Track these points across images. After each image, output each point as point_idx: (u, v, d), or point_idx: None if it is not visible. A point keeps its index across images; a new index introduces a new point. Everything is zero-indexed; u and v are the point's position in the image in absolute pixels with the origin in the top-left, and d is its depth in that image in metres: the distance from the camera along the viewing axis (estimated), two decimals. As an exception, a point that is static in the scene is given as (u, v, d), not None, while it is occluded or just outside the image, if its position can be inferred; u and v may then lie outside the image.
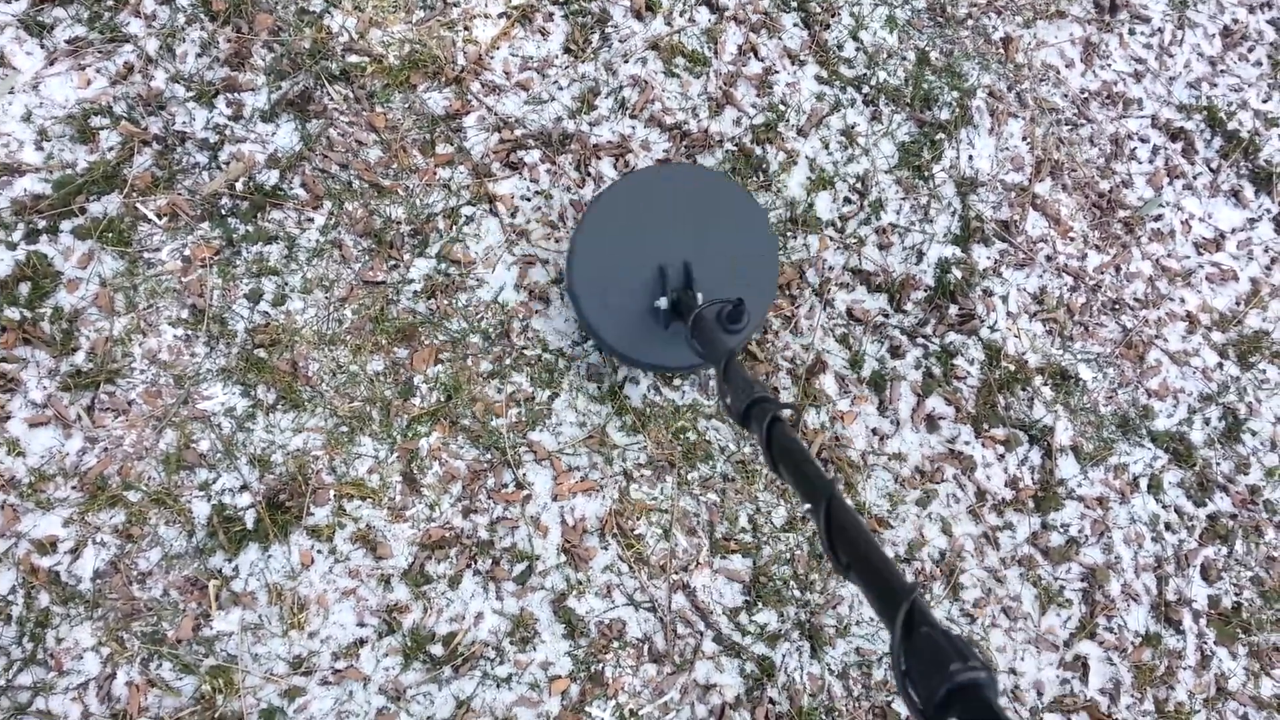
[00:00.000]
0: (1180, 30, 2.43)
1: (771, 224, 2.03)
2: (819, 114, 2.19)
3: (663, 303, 1.80)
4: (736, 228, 1.90)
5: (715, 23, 2.24)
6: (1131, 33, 2.43)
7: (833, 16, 2.25)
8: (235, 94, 2.05)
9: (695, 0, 2.24)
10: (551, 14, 2.20)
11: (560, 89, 2.16)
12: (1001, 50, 2.30)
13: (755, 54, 2.23)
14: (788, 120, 2.18)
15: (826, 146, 2.18)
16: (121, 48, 2.04)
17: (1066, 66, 2.34)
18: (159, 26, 2.06)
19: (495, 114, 2.13)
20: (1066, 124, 2.30)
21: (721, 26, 2.23)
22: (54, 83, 2.02)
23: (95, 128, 1.99)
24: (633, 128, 2.16)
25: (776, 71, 2.21)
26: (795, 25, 2.25)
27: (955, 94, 2.24)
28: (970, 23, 2.30)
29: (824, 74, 2.22)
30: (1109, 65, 2.36)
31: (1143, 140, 2.35)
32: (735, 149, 2.16)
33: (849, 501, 1.45)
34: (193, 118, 2.02)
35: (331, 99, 2.06)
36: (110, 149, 1.97)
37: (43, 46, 2.03)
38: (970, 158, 2.21)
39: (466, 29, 2.16)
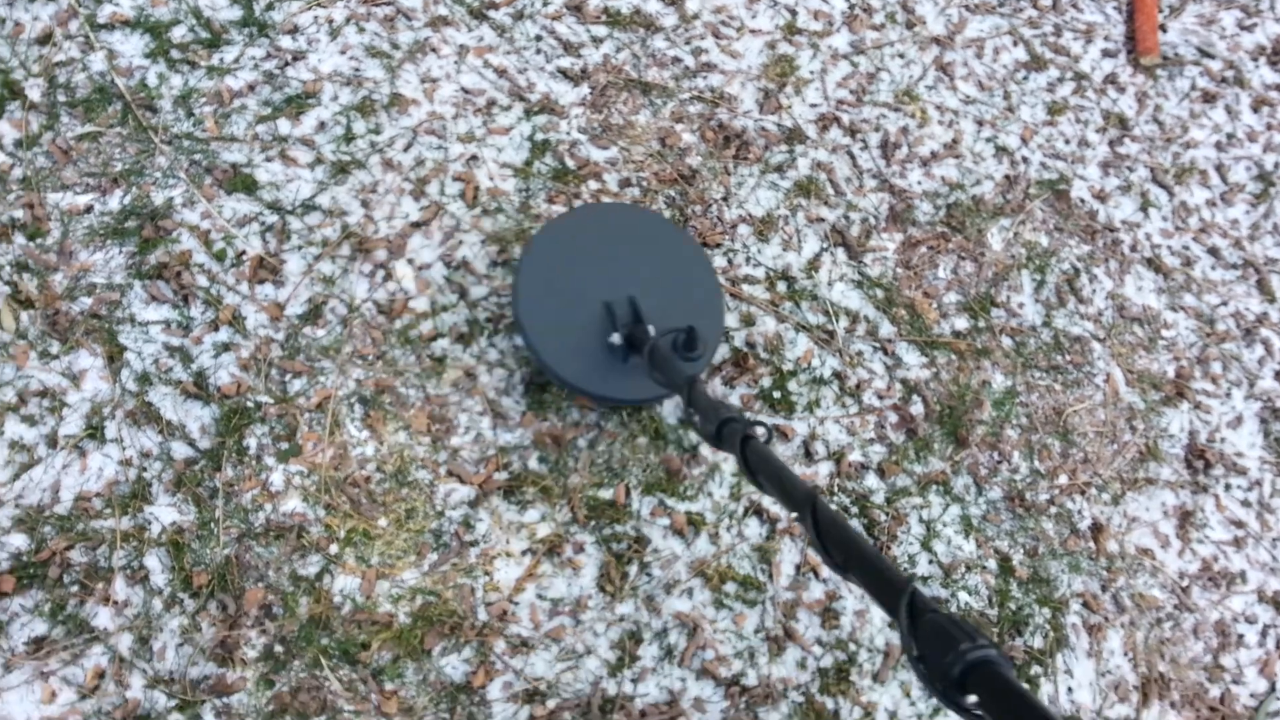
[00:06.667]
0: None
1: (701, 248, 2.16)
2: (895, 652, 2.04)
3: (616, 338, 1.91)
4: (672, 258, 2.05)
5: (767, 538, 2.10)
6: (1227, 489, 2.32)
7: (899, 524, 2.12)
8: (224, 697, 1.89)
9: (743, 512, 2.10)
10: (582, 544, 2.06)
11: (596, 636, 2.01)
12: (1091, 542, 2.18)
13: (816, 574, 2.10)
14: (860, 664, 2.03)
15: (908, 694, 2.04)
16: (90, 648, 1.87)
17: (1162, 547, 2.22)
18: (132, 616, 1.90)
19: (524, 677, 1.97)
20: (1168, 620, 2.17)
21: (774, 544, 2.09)
22: (12, 698, 1.85)
23: (61, 765, 1.81)
24: (683, 681, 2.01)
25: (841, 597, 2.08)
26: (858, 536, 2.11)
27: (1047, 611, 2.10)
28: (1053, 509, 2.18)
29: (895, 596, 2.08)
30: (1206, 537, 2.25)
31: (1249, 620, 2.23)
32: (803, 700, 2.00)
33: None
34: (175, 736, 1.85)
35: (332, 688, 1.90)
36: (79, 798, 1.79)
37: (-2, 650, 1.86)
38: (1070, 690, 2.07)
39: (487, 573, 2.02)
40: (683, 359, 1.73)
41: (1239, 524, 2.32)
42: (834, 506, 2.12)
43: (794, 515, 1.09)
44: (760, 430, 1.28)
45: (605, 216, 2.12)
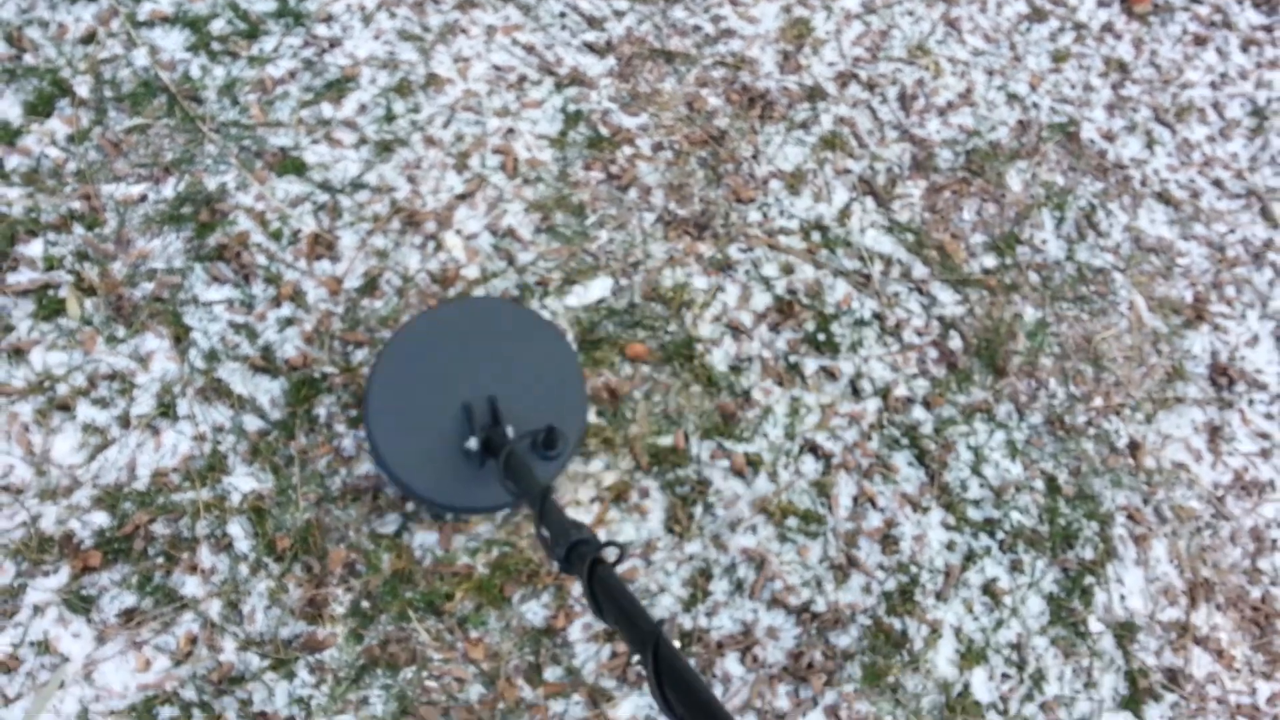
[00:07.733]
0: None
1: (569, 341, 2.09)
2: (955, 571, 2.14)
3: (472, 443, 1.78)
4: (536, 352, 1.96)
5: (823, 473, 2.19)
6: (1251, 404, 2.43)
7: (948, 452, 2.22)
8: (316, 654, 1.95)
9: (798, 450, 2.19)
10: (647, 490, 2.14)
11: (668, 575, 2.09)
12: (1130, 459, 2.29)
13: (873, 504, 2.19)
14: (922, 584, 2.12)
15: (971, 610, 2.12)
16: (180, 616, 1.93)
17: (1196, 461, 2.33)
18: (219, 582, 1.96)
19: (601, 620, 2.04)
20: (1207, 528, 2.29)
21: (831, 478, 2.18)
22: (109, 668, 1.91)
23: (163, 725, 1.86)
24: (755, 612, 2.09)
25: (899, 523, 2.17)
26: (910, 465, 2.22)
27: (1095, 524, 2.21)
28: (1092, 431, 2.29)
29: (951, 519, 2.18)
30: (1236, 449, 2.36)
31: (1282, 526, 2.35)
32: (871, 623, 2.09)
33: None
34: (273, 693, 1.91)
35: (420, 639, 1.97)
36: (181, 759, 1.85)
37: (90, 623, 1.92)
38: (1122, 597, 2.18)
39: (557, 522, 2.08)
40: (543, 458, 1.72)
41: (1264, 435, 2.43)
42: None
43: (634, 656, 1.02)
44: (612, 552, 1.17)
45: (465, 311, 2.03)
